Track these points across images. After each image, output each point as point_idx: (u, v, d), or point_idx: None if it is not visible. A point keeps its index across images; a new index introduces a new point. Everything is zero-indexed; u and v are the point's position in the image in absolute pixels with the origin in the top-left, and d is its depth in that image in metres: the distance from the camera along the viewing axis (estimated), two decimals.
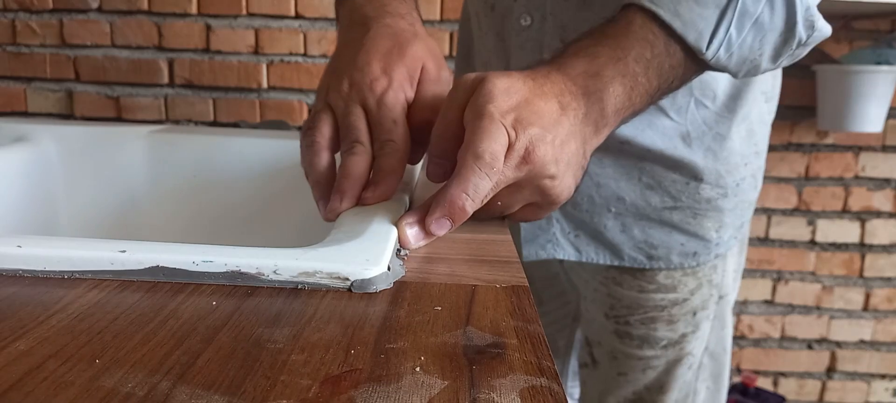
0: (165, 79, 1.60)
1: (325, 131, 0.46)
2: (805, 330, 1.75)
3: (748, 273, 1.71)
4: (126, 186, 0.67)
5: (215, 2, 1.56)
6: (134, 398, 0.21)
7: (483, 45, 0.74)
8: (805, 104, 1.61)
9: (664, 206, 0.67)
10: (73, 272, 0.32)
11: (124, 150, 0.67)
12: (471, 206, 0.39)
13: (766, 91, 0.68)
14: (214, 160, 0.67)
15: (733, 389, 1.66)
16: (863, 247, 1.69)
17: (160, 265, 0.32)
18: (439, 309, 0.30)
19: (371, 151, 0.45)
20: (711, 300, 0.72)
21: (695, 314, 0.71)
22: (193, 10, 1.56)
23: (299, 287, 0.32)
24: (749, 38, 0.48)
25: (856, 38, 1.59)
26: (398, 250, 0.38)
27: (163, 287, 0.31)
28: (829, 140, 1.64)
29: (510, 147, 0.40)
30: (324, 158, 0.45)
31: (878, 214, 1.67)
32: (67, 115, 1.63)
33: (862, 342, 1.75)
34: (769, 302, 1.74)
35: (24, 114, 1.63)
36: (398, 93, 0.46)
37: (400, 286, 0.33)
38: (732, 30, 0.47)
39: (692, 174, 0.65)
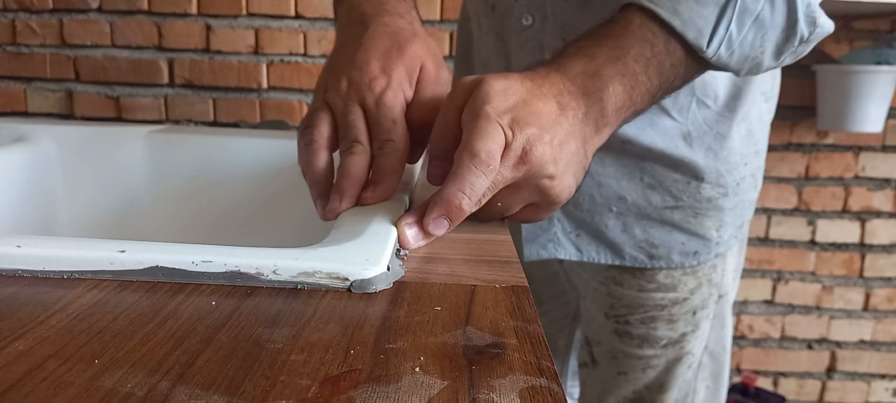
0: (165, 79, 1.60)
1: (323, 130, 0.46)
2: (805, 329, 1.75)
3: (748, 273, 1.71)
4: (126, 186, 0.67)
5: (215, 2, 1.56)
6: (133, 398, 0.21)
7: (483, 45, 0.74)
8: (805, 104, 1.61)
9: (665, 206, 0.67)
10: (72, 272, 0.32)
11: (124, 150, 0.67)
12: (468, 205, 0.39)
13: (766, 91, 0.68)
14: (214, 160, 0.67)
15: (733, 389, 1.66)
16: (863, 247, 1.69)
17: (159, 265, 0.31)
18: (439, 309, 0.30)
19: (370, 151, 0.45)
20: (711, 299, 0.72)
21: (694, 313, 0.71)
22: (193, 10, 1.56)
23: (299, 287, 0.32)
24: (750, 35, 0.48)
25: (856, 38, 1.59)
26: (398, 250, 0.37)
27: (162, 287, 0.31)
28: (829, 140, 1.64)
29: (507, 146, 0.40)
30: (322, 157, 0.45)
31: (878, 214, 1.67)
32: (67, 115, 1.63)
33: (862, 342, 1.75)
34: (769, 302, 1.74)
35: (24, 114, 1.63)
36: (397, 92, 0.46)
37: (399, 286, 0.33)
38: (733, 27, 0.47)
39: (693, 173, 0.65)
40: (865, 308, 1.73)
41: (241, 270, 0.32)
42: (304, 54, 1.59)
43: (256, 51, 1.59)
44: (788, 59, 0.51)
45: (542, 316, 0.87)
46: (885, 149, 1.64)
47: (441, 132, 0.44)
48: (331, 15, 1.57)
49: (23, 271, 0.32)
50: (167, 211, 0.68)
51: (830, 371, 1.77)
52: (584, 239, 0.70)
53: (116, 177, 0.67)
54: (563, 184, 0.43)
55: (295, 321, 0.28)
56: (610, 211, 0.68)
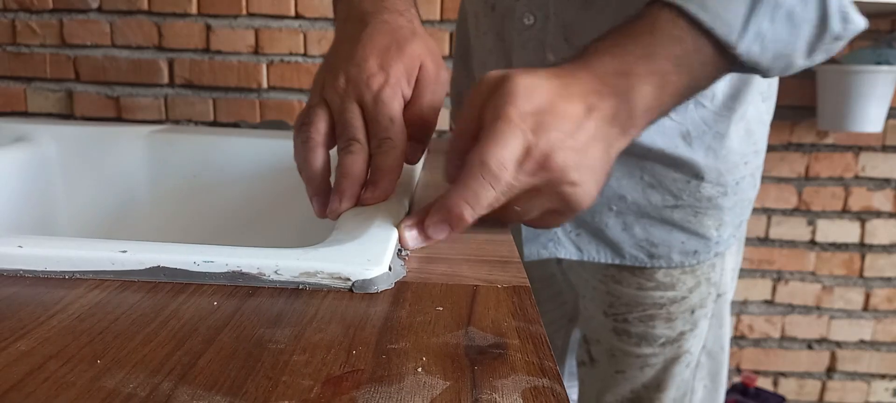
0: (165, 79, 1.60)
1: (320, 127, 0.45)
2: (805, 330, 1.75)
3: (748, 273, 1.71)
4: (126, 186, 0.67)
5: (215, 2, 1.56)
6: (136, 398, 0.21)
7: (481, 44, 0.74)
8: (805, 104, 1.61)
9: (665, 205, 0.67)
10: (73, 272, 0.32)
11: (124, 150, 0.67)
12: (470, 215, 0.38)
13: (763, 91, 0.68)
14: (214, 160, 0.67)
15: (733, 389, 1.66)
16: (863, 247, 1.69)
17: (161, 265, 0.31)
18: (441, 309, 0.30)
19: (368, 149, 0.44)
20: (710, 298, 0.72)
21: (693, 312, 0.71)
22: (193, 10, 1.56)
23: (300, 287, 0.32)
24: (782, 31, 0.46)
25: (856, 38, 1.58)
26: (399, 250, 0.37)
27: (164, 287, 0.31)
28: (829, 140, 1.64)
29: (528, 152, 0.38)
30: (318, 155, 0.45)
31: (878, 214, 1.67)
32: (67, 115, 1.63)
33: (862, 342, 1.75)
34: (769, 302, 1.74)
35: (24, 114, 1.63)
36: (395, 89, 0.45)
37: (401, 286, 0.33)
38: (764, 23, 0.45)
39: (693, 172, 0.65)
40: (865, 308, 1.73)
41: (243, 270, 0.32)
42: (304, 54, 1.59)
43: (256, 51, 1.59)
44: (820, 57, 0.49)
45: None
46: (885, 149, 1.64)
47: (462, 129, 0.43)
48: (331, 15, 1.56)
49: (24, 271, 0.32)
50: (167, 212, 0.68)
51: (830, 371, 1.77)
52: (584, 237, 0.70)
53: (116, 177, 0.67)
54: (585, 190, 0.41)
55: (297, 321, 0.28)
56: (610, 210, 0.68)
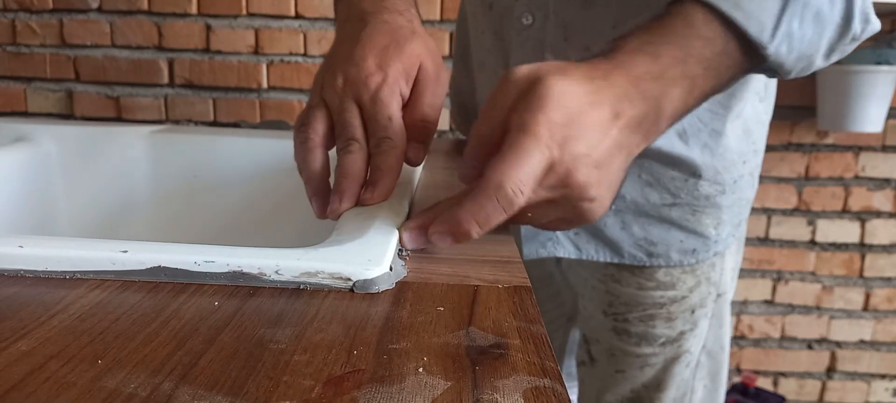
0: (165, 79, 1.60)
1: (318, 127, 0.45)
2: (805, 330, 1.75)
3: (748, 273, 1.71)
4: (126, 186, 0.67)
5: (215, 2, 1.56)
6: (136, 398, 0.21)
7: (479, 44, 0.74)
8: (805, 104, 1.61)
9: (663, 203, 0.67)
10: (74, 272, 0.32)
11: (124, 150, 0.67)
12: (477, 233, 0.37)
13: (759, 91, 0.68)
14: (214, 160, 0.67)
15: (733, 389, 1.66)
16: (863, 247, 1.69)
17: (162, 265, 0.31)
18: (441, 309, 0.30)
19: (367, 148, 0.44)
20: (710, 298, 0.72)
21: (693, 312, 0.71)
22: (193, 10, 1.56)
23: (301, 287, 0.32)
24: (809, 31, 0.45)
25: None
26: (400, 250, 0.37)
27: (164, 287, 0.31)
28: (829, 140, 1.64)
29: (551, 168, 0.37)
30: (318, 155, 0.45)
31: (878, 214, 1.67)
32: (67, 115, 1.63)
33: (862, 342, 1.75)
34: (769, 302, 1.74)
35: (24, 114, 1.63)
36: (393, 88, 0.45)
37: (402, 286, 0.33)
38: (794, 22, 0.44)
39: (690, 170, 0.65)
40: (865, 308, 1.73)
41: (244, 270, 0.32)
42: (304, 54, 1.59)
43: (256, 51, 1.59)
44: (834, 58, 0.49)
45: None
46: (885, 149, 1.64)
47: (486, 132, 0.40)
48: (331, 15, 1.56)
49: (25, 271, 0.32)
50: (167, 212, 0.68)
51: (830, 371, 1.77)
52: (583, 236, 0.70)
53: (116, 177, 0.67)
54: (601, 205, 0.41)
55: (297, 321, 0.28)
56: (608, 209, 0.68)
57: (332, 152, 0.46)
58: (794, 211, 1.67)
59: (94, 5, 1.56)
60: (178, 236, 0.67)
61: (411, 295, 0.32)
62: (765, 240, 1.69)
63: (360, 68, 0.45)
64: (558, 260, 0.78)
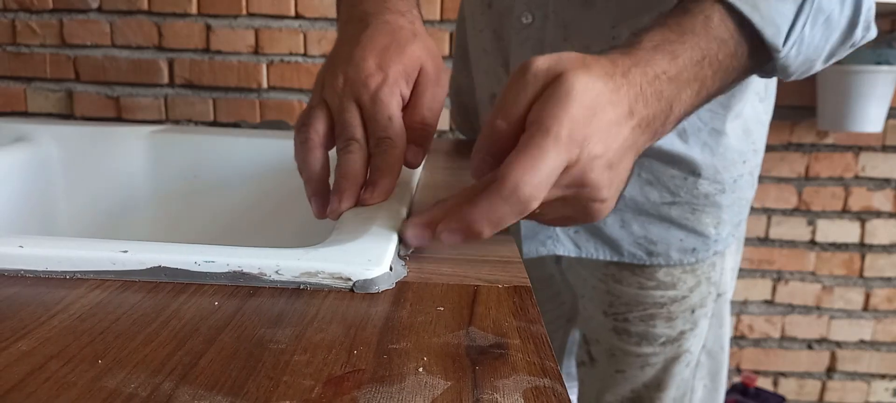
0: (165, 79, 1.60)
1: (319, 128, 0.45)
2: (805, 329, 1.75)
3: (748, 273, 1.71)
4: (126, 186, 0.67)
5: (215, 2, 1.56)
6: (137, 398, 0.21)
7: (478, 43, 0.74)
8: (805, 104, 1.61)
9: (663, 202, 0.67)
10: (74, 272, 0.32)
11: (124, 150, 0.67)
12: (488, 233, 0.37)
13: (759, 91, 0.68)
14: (214, 160, 0.67)
15: (733, 389, 1.66)
16: (863, 247, 1.69)
17: (162, 265, 0.31)
18: (441, 309, 0.30)
19: (367, 148, 0.44)
20: (710, 298, 0.72)
21: (693, 311, 0.71)
22: (193, 10, 1.56)
23: (301, 287, 0.32)
24: (817, 35, 0.45)
25: None
26: (400, 250, 0.37)
27: (165, 287, 0.31)
28: (829, 140, 1.64)
29: (567, 169, 0.36)
30: (317, 155, 0.45)
31: (878, 214, 1.67)
32: (67, 115, 1.63)
33: (862, 342, 1.75)
34: (769, 302, 1.74)
35: (24, 114, 1.63)
36: (393, 89, 0.45)
37: (402, 286, 0.33)
38: (806, 26, 0.44)
39: (690, 169, 0.66)
40: (865, 308, 1.73)
41: (244, 270, 0.32)
42: (304, 54, 1.59)
43: (256, 51, 1.59)
44: (831, 62, 0.49)
45: None
46: (885, 149, 1.64)
47: (501, 128, 0.39)
48: (331, 15, 1.57)
49: (25, 271, 0.32)
50: (167, 212, 0.68)
51: (830, 371, 1.77)
52: (583, 235, 0.70)
53: (116, 177, 0.67)
54: (610, 205, 0.40)
55: (298, 321, 0.28)
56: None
57: (333, 152, 0.46)
58: (794, 211, 1.67)
59: (94, 5, 1.56)
60: (178, 236, 0.67)
61: (411, 295, 0.32)
62: (765, 240, 1.69)
63: (360, 68, 0.45)
64: (558, 261, 0.78)
